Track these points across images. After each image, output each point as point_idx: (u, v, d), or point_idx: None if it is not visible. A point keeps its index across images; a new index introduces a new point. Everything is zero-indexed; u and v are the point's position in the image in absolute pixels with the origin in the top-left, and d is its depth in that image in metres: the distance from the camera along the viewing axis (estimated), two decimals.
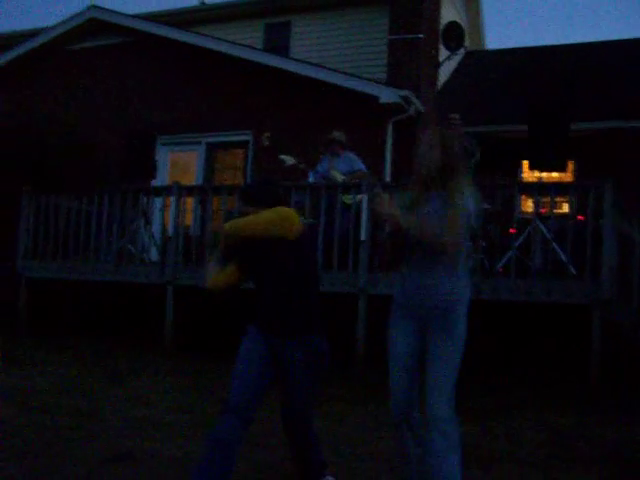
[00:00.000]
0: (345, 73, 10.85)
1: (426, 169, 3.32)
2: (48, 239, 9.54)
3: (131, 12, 12.93)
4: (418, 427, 3.46)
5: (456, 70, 14.59)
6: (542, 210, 8.15)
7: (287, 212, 3.68)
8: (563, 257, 7.22)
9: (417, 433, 3.46)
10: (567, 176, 10.71)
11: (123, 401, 6.02)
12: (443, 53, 11.96)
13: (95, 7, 12.47)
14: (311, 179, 8.95)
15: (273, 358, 3.67)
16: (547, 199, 7.97)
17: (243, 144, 11.49)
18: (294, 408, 3.78)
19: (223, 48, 11.46)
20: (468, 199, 3.25)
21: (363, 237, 7.83)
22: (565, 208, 9.45)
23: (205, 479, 3.41)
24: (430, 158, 3.31)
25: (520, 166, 11.40)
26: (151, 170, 10.12)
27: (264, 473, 4.23)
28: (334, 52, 12.63)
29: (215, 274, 3.84)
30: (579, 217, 7.98)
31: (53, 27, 12.82)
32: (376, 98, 10.23)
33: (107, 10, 12.44)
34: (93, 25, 12.53)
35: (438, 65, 11.91)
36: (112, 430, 5.03)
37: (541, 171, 8.65)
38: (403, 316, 3.45)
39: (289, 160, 9.01)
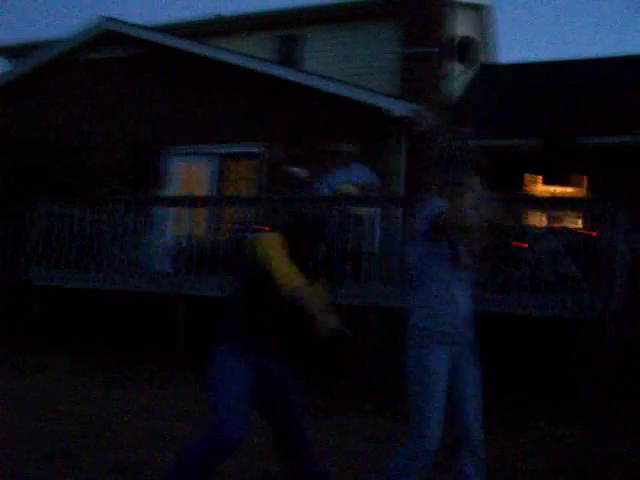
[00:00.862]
0: (358, 86, 10.87)
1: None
2: (61, 248, 9.57)
3: (144, 23, 13.02)
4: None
5: (469, 84, 14.60)
6: (555, 225, 8.12)
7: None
8: (575, 272, 7.19)
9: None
10: (580, 191, 10.67)
11: (132, 410, 6.02)
12: (457, 67, 11.97)
13: (110, 19, 12.55)
14: (323, 190, 8.96)
15: (260, 381, 3.58)
16: (560, 213, 7.95)
17: (255, 156, 11.50)
18: (298, 428, 3.69)
19: (236, 60, 11.51)
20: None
21: (376, 249, 7.82)
22: (578, 223, 9.42)
23: None
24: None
25: (535, 180, 11.37)
26: (156, 181, 10.18)
27: None
28: (347, 65, 12.67)
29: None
30: (592, 233, 7.95)
31: (68, 39, 12.87)
32: (389, 111, 10.23)
33: (122, 22, 12.52)
34: (107, 36, 12.61)
35: (452, 79, 11.92)
36: (119, 440, 5.03)
37: (555, 186, 8.63)
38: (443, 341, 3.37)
39: (301, 173, 9.04)
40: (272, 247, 3.55)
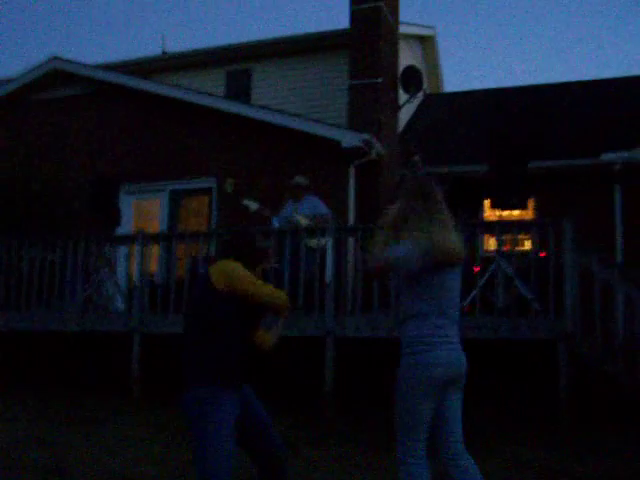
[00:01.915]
0: (306, 118, 10.98)
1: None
2: (9, 289, 9.40)
3: (93, 62, 12.99)
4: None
5: (415, 113, 14.85)
6: (505, 248, 8.26)
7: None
8: (527, 293, 7.32)
9: None
10: (528, 213, 10.89)
11: (89, 453, 5.89)
12: (402, 97, 12.16)
13: (57, 58, 12.49)
14: (275, 224, 8.99)
15: (241, 412, 3.56)
16: (509, 236, 8.09)
17: (207, 190, 11.50)
18: (276, 442, 3.71)
19: (184, 96, 11.53)
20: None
21: (328, 280, 7.85)
22: (527, 245, 9.59)
23: None
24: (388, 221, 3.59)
25: (482, 205, 11.56)
26: (115, 217, 10.08)
27: None
28: (295, 98, 12.82)
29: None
30: (541, 254, 8.10)
31: (15, 79, 12.79)
32: (338, 142, 10.34)
33: (68, 61, 12.46)
34: (56, 75, 12.53)
35: (398, 108, 12.10)
36: None
37: (503, 210, 8.78)
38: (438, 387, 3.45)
39: (253, 205, 9.06)
40: (237, 271, 3.57)
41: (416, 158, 8.92)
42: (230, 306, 3.51)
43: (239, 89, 13.48)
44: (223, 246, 3.95)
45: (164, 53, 14.96)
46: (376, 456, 5.65)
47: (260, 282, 3.59)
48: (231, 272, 3.55)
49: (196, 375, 3.46)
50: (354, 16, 11.63)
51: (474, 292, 7.50)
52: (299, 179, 8.87)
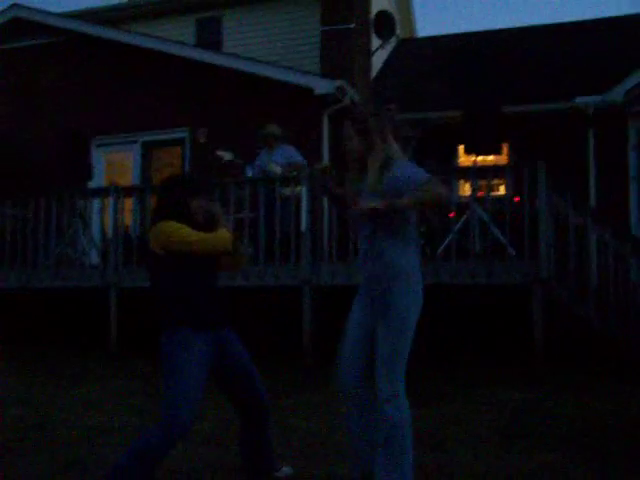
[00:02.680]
0: (279, 66, 10.83)
1: (352, 158, 3.53)
2: None
3: (59, 10, 12.66)
4: (366, 408, 3.51)
5: (389, 59, 14.70)
6: (479, 193, 8.27)
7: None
8: (502, 239, 7.36)
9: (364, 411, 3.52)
10: (502, 158, 10.90)
11: (70, 408, 5.91)
12: (375, 42, 12.02)
13: (18, 5, 12.12)
14: (249, 173, 8.93)
15: (215, 354, 3.60)
16: (484, 182, 8.10)
17: (179, 141, 11.37)
18: (258, 389, 3.74)
19: (153, 45, 11.31)
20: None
21: (303, 228, 7.83)
22: (502, 190, 9.61)
23: None
24: (351, 149, 3.50)
25: (456, 151, 11.55)
26: (87, 171, 9.94)
27: (218, 471, 4.20)
28: (267, 46, 12.61)
29: None
30: (515, 198, 8.13)
31: None
32: (311, 90, 10.23)
33: (31, 9, 12.12)
34: (18, 24, 12.19)
35: (371, 54, 11.97)
36: (61, 439, 4.93)
37: (477, 155, 8.77)
38: (361, 293, 3.56)
39: (227, 156, 8.99)
40: (168, 231, 3.57)
41: (392, 107, 8.84)
42: (179, 262, 3.58)
43: (209, 38, 13.24)
44: (154, 209, 3.89)
45: (132, 1, 14.59)
46: None
47: (195, 233, 3.54)
48: (161, 235, 3.59)
49: (167, 320, 3.57)
50: None
51: (449, 238, 7.53)
52: (271, 128, 8.78)
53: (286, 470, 3.97)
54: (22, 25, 12.18)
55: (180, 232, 3.53)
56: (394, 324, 3.33)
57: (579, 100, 10.73)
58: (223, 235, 3.59)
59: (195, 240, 3.53)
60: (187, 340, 3.49)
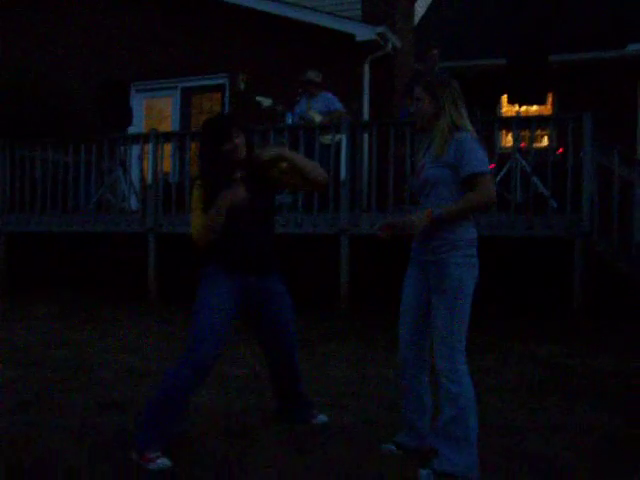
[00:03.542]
0: (320, 11, 10.64)
1: (420, 121, 3.47)
2: (24, 193, 9.42)
3: None
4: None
5: (432, 5, 14.36)
6: (522, 144, 8.11)
7: None
8: (544, 191, 7.23)
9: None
10: (547, 109, 10.66)
11: (110, 352, 6.03)
12: None
13: None
14: (289, 121, 8.86)
15: (246, 298, 3.64)
16: (527, 132, 7.93)
17: (219, 88, 11.30)
18: (287, 341, 3.79)
19: None
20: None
21: (343, 177, 7.78)
22: (545, 142, 9.43)
23: (155, 422, 3.44)
24: (420, 110, 3.44)
25: (499, 101, 11.32)
26: (127, 118, 9.94)
27: (254, 416, 4.25)
28: None
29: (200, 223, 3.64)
30: (559, 150, 7.96)
31: None
32: (352, 36, 10.04)
33: None
34: None
35: (414, 1, 11.70)
36: (101, 381, 5.04)
37: (520, 104, 8.58)
38: (413, 263, 3.49)
39: (266, 102, 8.92)
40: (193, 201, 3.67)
41: (434, 52, 8.66)
42: None
43: None
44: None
45: None
46: (390, 354, 5.73)
47: (194, 221, 3.59)
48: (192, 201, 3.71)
49: (204, 259, 3.70)
50: None
51: None
52: (311, 74, 8.67)
53: (322, 418, 4.02)
54: None
55: (192, 214, 3.63)
56: (448, 296, 3.26)
57: (631, 48, 10.37)
58: (196, 222, 3.58)
59: (192, 228, 3.61)
60: (216, 278, 3.60)
